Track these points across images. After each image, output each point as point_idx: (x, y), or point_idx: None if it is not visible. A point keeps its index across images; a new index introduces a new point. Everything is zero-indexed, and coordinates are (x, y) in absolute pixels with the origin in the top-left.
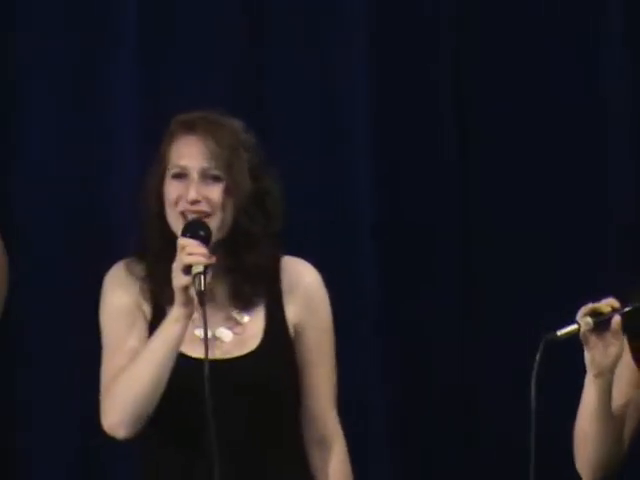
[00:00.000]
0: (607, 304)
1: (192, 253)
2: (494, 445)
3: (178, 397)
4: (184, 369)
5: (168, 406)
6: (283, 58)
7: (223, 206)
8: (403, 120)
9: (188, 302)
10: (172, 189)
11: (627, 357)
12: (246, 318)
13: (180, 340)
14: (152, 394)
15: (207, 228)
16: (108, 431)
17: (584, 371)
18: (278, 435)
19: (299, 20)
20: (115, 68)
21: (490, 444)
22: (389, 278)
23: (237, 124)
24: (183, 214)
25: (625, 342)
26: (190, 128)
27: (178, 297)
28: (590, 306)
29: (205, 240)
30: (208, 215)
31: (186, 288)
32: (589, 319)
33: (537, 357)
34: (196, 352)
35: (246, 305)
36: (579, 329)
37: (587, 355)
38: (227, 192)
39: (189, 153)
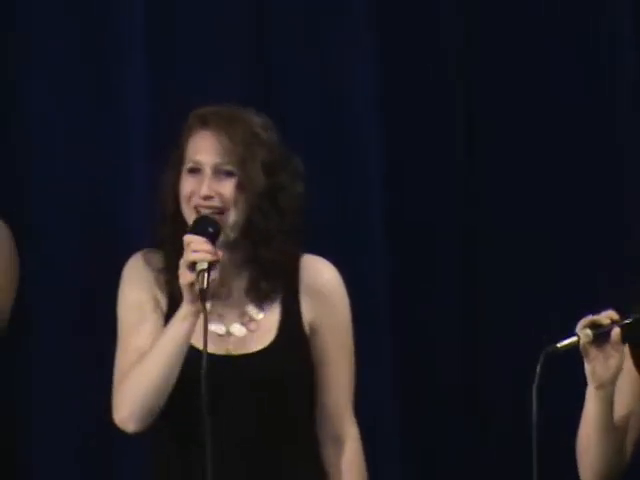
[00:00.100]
0: (606, 316)
1: (197, 250)
2: (502, 445)
3: (190, 391)
4: (197, 364)
5: (180, 400)
6: (290, 58)
7: (235, 202)
8: (409, 119)
9: (195, 299)
10: (187, 184)
11: (628, 368)
12: (261, 314)
13: (188, 337)
14: (161, 390)
15: (216, 224)
16: (119, 425)
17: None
18: (292, 431)
19: (304, 19)
20: (122, 68)
21: (497, 444)
22: (394, 277)
23: (255, 119)
24: (196, 209)
25: (626, 353)
26: (205, 123)
27: (185, 294)
28: (589, 318)
29: (213, 237)
30: (221, 211)
31: (192, 285)
32: (588, 331)
33: (537, 369)
34: (211, 347)
35: (262, 301)
36: (579, 341)
37: (587, 367)
38: (240, 188)
39: (203, 148)
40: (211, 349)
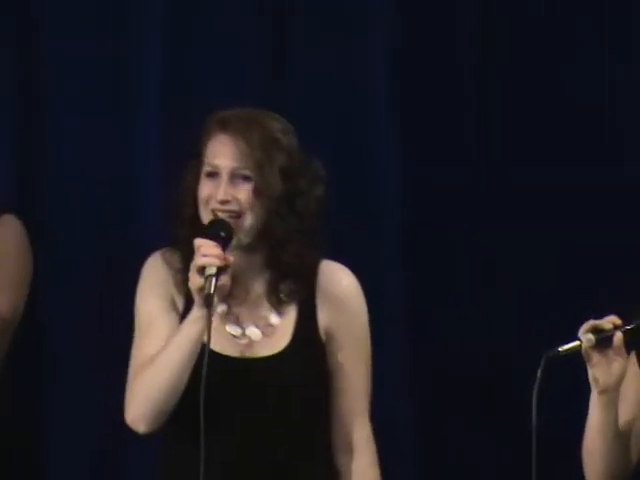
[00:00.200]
0: (609, 321)
1: (206, 254)
2: (518, 447)
3: (206, 394)
4: (211, 366)
5: (193, 401)
6: (305, 57)
7: (252, 206)
8: (425, 123)
9: (211, 302)
10: (205, 187)
11: (633, 374)
12: (278, 318)
13: (199, 340)
14: (172, 391)
15: (229, 229)
16: (130, 425)
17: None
18: (305, 436)
19: (320, 19)
20: (138, 68)
21: (514, 446)
22: (412, 279)
23: (275, 124)
24: (214, 212)
25: (631, 358)
26: (224, 126)
27: (195, 298)
28: (592, 323)
29: (224, 241)
30: (237, 215)
31: (201, 289)
32: (591, 336)
33: (538, 373)
34: (226, 349)
35: (280, 305)
36: (581, 345)
37: (590, 373)
38: (256, 192)
39: (221, 152)
40: (226, 351)
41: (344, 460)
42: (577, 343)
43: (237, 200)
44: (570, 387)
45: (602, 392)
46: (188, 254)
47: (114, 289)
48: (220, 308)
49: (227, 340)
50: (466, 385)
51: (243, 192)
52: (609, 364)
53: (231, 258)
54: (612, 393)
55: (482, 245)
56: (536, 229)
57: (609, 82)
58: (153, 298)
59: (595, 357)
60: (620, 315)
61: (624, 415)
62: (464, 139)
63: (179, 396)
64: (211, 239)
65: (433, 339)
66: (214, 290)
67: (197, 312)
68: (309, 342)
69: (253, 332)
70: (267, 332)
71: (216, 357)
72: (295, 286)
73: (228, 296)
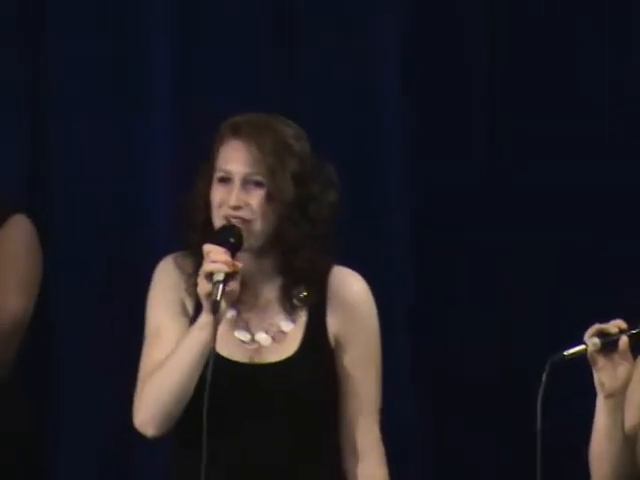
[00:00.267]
0: (614, 325)
1: (215, 260)
2: (529, 450)
3: (214, 399)
4: (220, 371)
5: (201, 406)
6: (316, 60)
7: (263, 212)
8: (435, 121)
9: (218, 309)
10: (217, 193)
11: (638, 377)
12: (288, 324)
13: (206, 346)
14: (180, 396)
15: (239, 235)
16: (138, 429)
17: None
18: (312, 442)
19: (331, 20)
20: (147, 70)
21: (524, 450)
22: (419, 279)
23: (287, 129)
24: (226, 218)
25: (637, 362)
26: (236, 132)
27: (204, 303)
28: (597, 327)
29: (233, 247)
30: (248, 221)
31: (210, 295)
32: (596, 340)
33: (543, 378)
34: (235, 355)
35: (291, 311)
36: (586, 349)
37: (596, 377)
38: (268, 198)
39: (233, 158)
40: (235, 356)
41: (352, 464)
42: (583, 347)
43: (249, 206)
44: (576, 391)
45: (608, 396)
46: (200, 259)
47: (124, 290)
48: (230, 313)
49: (236, 346)
50: (472, 387)
51: (255, 198)
52: (615, 368)
53: (240, 264)
54: (618, 397)
55: (490, 246)
56: (543, 229)
57: (615, 82)
58: (164, 304)
59: (601, 361)
60: (626, 319)
61: (630, 419)
62: (472, 140)
63: (187, 400)
64: (220, 245)
65: (439, 340)
66: (221, 296)
67: (205, 318)
68: (318, 348)
69: (263, 338)
70: (277, 338)
71: (224, 363)
72: (307, 292)
73: (238, 301)
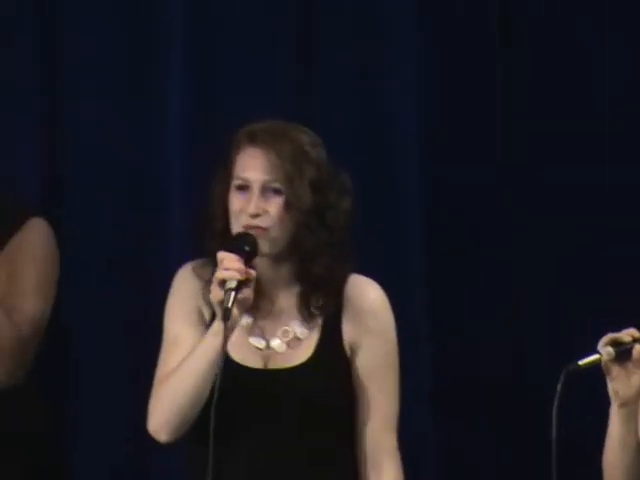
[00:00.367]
0: (628, 334)
1: (228, 268)
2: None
3: (228, 405)
4: (233, 377)
5: (218, 412)
6: (329, 61)
7: (282, 219)
8: (450, 119)
9: (229, 316)
10: (235, 201)
11: None
12: (304, 331)
13: (219, 353)
14: (192, 403)
15: (254, 243)
16: (152, 434)
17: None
18: (324, 449)
19: (346, 20)
20: (162, 68)
21: (540, 454)
22: (434, 279)
23: (304, 136)
24: (245, 226)
25: None
26: (253, 139)
27: (217, 310)
28: (611, 336)
29: (248, 255)
30: (267, 228)
31: (222, 302)
32: (610, 349)
33: (558, 388)
34: (249, 360)
35: (306, 317)
36: (600, 359)
37: (610, 385)
38: (287, 205)
39: (251, 165)
40: (249, 362)
41: (367, 475)
42: (597, 356)
43: (268, 213)
44: (589, 399)
45: (622, 405)
46: (217, 264)
47: (141, 292)
48: (245, 320)
49: (250, 352)
50: (484, 392)
51: (274, 205)
52: (629, 377)
53: (253, 272)
54: (632, 406)
55: (506, 247)
56: (561, 229)
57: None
58: (181, 313)
59: (615, 370)
60: (639, 327)
61: None
62: (488, 141)
63: (200, 407)
64: (235, 253)
65: (454, 345)
66: (232, 304)
67: (218, 325)
68: (332, 355)
69: (277, 344)
70: (292, 344)
71: (238, 368)
72: (324, 299)
73: (254, 308)
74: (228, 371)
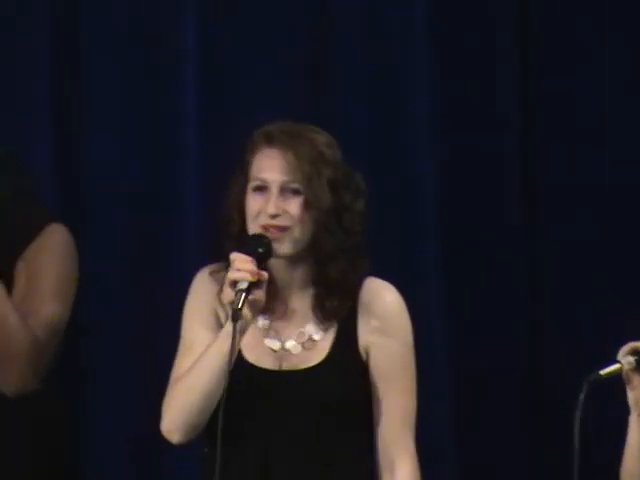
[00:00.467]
0: None
1: (239, 269)
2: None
3: (242, 405)
4: (247, 377)
5: (232, 414)
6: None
7: (302, 220)
8: (466, 126)
9: (238, 317)
10: (253, 202)
11: None
12: (319, 333)
13: (231, 354)
14: (203, 405)
15: (268, 245)
16: (164, 435)
17: None
18: (339, 451)
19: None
20: (178, 66)
21: (558, 455)
22: (451, 280)
23: (320, 137)
24: (264, 227)
25: None
26: (270, 140)
27: (228, 312)
28: (631, 345)
29: (261, 257)
30: (287, 228)
31: (232, 303)
32: (631, 358)
33: (581, 398)
34: (263, 362)
35: (323, 320)
36: (622, 368)
37: (630, 395)
38: (306, 206)
39: (269, 166)
40: (263, 364)
41: (385, 475)
42: (618, 366)
43: (288, 213)
44: (609, 408)
45: None
46: None
47: (156, 293)
48: (261, 322)
49: (265, 353)
50: (502, 391)
51: (294, 205)
52: None
53: (265, 274)
54: None
55: (523, 244)
56: (581, 231)
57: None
58: (198, 318)
59: (635, 379)
60: None
61: None
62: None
63: (212, 407)
64: (248, 254)
65: (472, 344)
66: (242, 305)
67: (229, 326)
68: (347, 356)
69: (292, 346)
70: (307, 346)
71: (252, 369)
72: (340, 302)
73: (269, 310)
74: (242, 372)
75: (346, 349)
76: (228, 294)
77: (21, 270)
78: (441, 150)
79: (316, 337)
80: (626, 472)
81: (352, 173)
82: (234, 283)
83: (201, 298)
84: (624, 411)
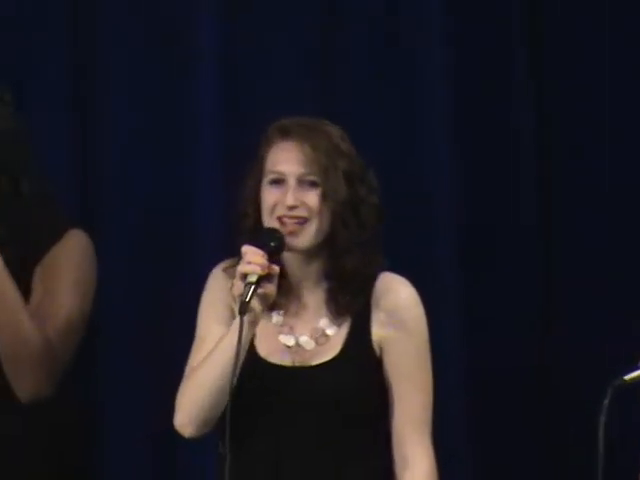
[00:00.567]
0: None
1: (250, 262)
2: (576, 460)
3: (255, 401)
4: (260, 373)
5: (245, 409)
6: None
7: (320, 211)
8: (482, 126)
9: (249, 310)
10: (270, 195)
11: None
12: (333, 329)
13: (238, 346)
14: (215, 398)
15: (280, 239)
16: (177, 429)
17: None
18: (352, 446)
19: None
20: (193, 65)
21: (571, 458)
22: (466, 276)
23: (334, 130)
24: (281, 220)
25: None
26: (286, 134)
27: (237, 304)
28: None
29: (272, 251)
30: (306, 219)
31: (242, 296)
32: None
33: (605, 403)
34: (276, 357)
35: (337, 316)
36: None
37: None
38: (324, 198)
39: (286, 159)
40: (277, 359)
41: (401, 474)
42: None
43: (305, 205)
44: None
45: None
46: None
47: (171, 289)
48: (275, 318)
49: (279, 349)
50: (522, 388)
51: (312, 197)
52: None
53: (276, 268)
54: None
55: (541, 241)
56: (599, 232)
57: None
58: (212, 314)
59: None
60: None
61: None
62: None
63: (224, 401)
64: (259, 247)
65: (489, 340)
66: (250, 298)
67: (239, 319)
68: (360, 352)
69: (306, 342)
70: (320, 341)
71: (265, 364)
72: (353, 297)
73: (283, 306)
74: (255, 368)
75: (359, 344)
76: (238, 287)
77: (40, 276)
78: (456, 150)
79: (329, 332)
80: None
81: (366, 167)
82: (244, 276)
83: (215, 294)
84: None
